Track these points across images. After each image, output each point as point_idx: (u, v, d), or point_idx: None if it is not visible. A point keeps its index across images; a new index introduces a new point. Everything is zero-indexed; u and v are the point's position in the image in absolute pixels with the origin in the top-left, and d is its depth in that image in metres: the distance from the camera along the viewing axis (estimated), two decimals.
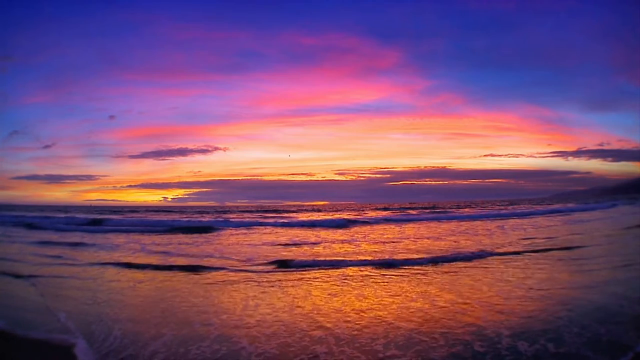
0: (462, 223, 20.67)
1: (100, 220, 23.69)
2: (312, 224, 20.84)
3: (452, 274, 7.16)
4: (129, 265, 8.71)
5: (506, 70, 75.81)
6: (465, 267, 7.78)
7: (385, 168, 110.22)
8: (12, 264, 9.01)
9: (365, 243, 12.53)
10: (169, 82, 68.97)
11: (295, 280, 6.92)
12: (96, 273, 8.02)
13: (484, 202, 68.75)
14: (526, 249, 9.84)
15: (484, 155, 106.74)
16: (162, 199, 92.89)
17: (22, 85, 68.63)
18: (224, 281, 6.96)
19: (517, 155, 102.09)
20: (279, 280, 6.90)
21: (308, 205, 74.05)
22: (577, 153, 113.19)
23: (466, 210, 36.96)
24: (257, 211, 42.76)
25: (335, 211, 43.04)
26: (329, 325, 4.44)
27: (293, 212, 40.14)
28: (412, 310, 4.93)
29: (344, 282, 6.66)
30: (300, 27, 62.12)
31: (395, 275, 7.11)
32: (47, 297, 5.99)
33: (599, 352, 3.45)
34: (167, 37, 64.12)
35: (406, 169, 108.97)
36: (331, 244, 12.53)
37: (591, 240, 11.52)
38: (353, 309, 5.05)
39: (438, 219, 23.89)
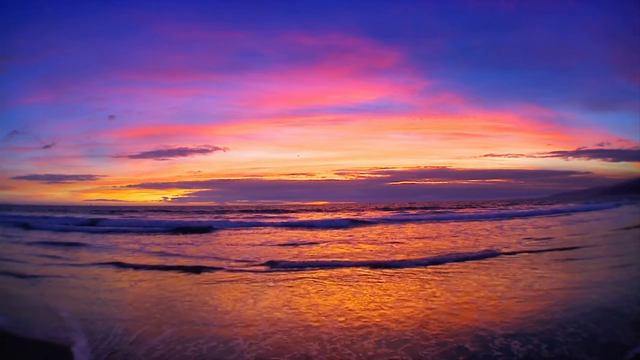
0: (463, 223, 20.64)
1: (98, 221, 23.69)
2: (311, 224, 20.83)
3: (448, 274, 7.16)
4: (127, 266, 8.71)
5: (506, 70, 75.80)
6: (462, 267, 7.78)
7: (385, 168, 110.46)
8: (10, 264, 9.02)
9: (364, 243, 12.53)
10: (169, 82, 69.08)
11: (290, 280, 6.93)
12: (93, 273, 8.03)
13: (484, 202, 68.74)
14: (526, 250, 9.83)
15: (484, 155, 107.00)
16: (162, 199, 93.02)
17: (22, 85, 68.76)
18: (222, 281, 6.99)
19: (517, 155, 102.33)
20: (275, 281, 6.92)
21: (308, 205, 74.06)
22: (577, 153, 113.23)
23: (466, 210, 36.91)
24: (257, 211, 42.78)
25: (335, 211, 43.04)
26: (322, 324, 4.47)
27: (293, 212, 40.13)
28: (405, 310, 4.94)
29: (339, 283, 6.67)
30: (300, 27, 62.25)
31: (391, 276, 7.12)
32: (47, 296, 6.01)
33: (594, 354, 3.43)
34: (167, 37, 64.29)
35: (406, 169, 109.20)
36: (330, 244, 12.54)
37: (596, 240, 11.50)
38: (346, 309, 5.08)
39: (440, 219, 23.80)
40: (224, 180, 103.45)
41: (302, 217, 29.79)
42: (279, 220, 24.20)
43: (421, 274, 7.23)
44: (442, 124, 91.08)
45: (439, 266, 7.89)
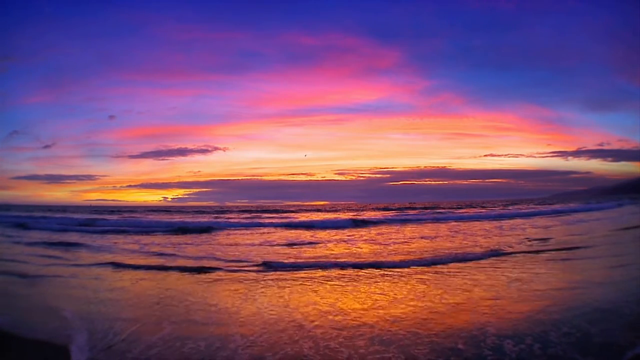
0: (463, 224, 20.61)
1: (96, 221, 23.69)
2: (311, 225, 20.76)
3: (446, 274, 7.17)
4: (124, 266, 8.72)
5: (506, 70, 75.82)
6: (461, 267, 7.78)
7: (385, 168, 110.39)
8: (7, 264, 9.03)
9: (363, 243, 12.55)
10: (169, 82, 69.18)
11: (285, 280, 6.94)
12: (91, 273, 8.04)
13: (485, 202, 68.68)
14: (525, 250, 9.83)
15: (484, 155, 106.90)
16: (162, 199, 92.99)
17: (22, 85, 68.81)
18: (219, 281, 7.02)
19: (517, 155, 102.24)
20: (271, 281, 6.93)
21: (308, 205, 74.03)
22: (577, 153, 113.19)
23: (467, 210, 36.87)
24: (257, 211, 42.75)
25: (335, 211, 43.05)
26: (316, 323, 4.51)
27: (293, 212, 40.11)
28: (400, 310, 4.95)
29: (336, 283, 6.68)
30: (300, 27, 62.27)
31: (388, 276, 7.13)
32: (45, 296, 6.05)
33: (588, 354, 3.42)
34: (166, 37, 64.38)
35: (406, 169, 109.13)
36: (329, 244, 12.56)
37: (596, 240, 11.50)
38: (340, 309, 5.10)
39: (440, 220, 23.66)
40: (224, 180, 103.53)
41: (302, 217, 29.74)
42: (279, 221, 24.20)
43: (419, 274, 7.23)
44: (442, 124, 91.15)
45: (438, 266, 7.88)
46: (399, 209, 43.93)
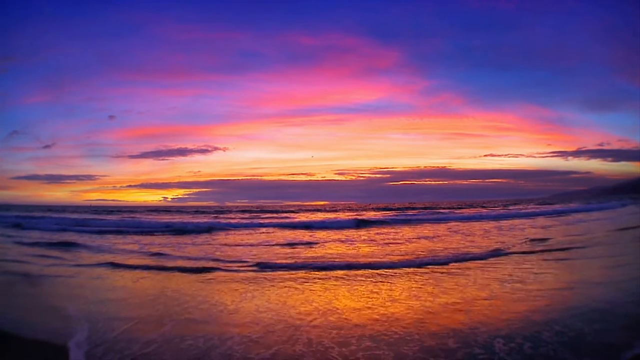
0: (463, 224, 20.60)
1: (93, 221, 23.65)
2: (309, 225, 20.74)
3: (443, 274, 7.16)
4: (123, 266, 8.72)
5: (506, 70, 75.80)
6: (458, 268, 7.77)
7: (385, 168, 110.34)
8: (4, 264, 9.03)
9: (362, 244, 12.56)
10: (169, 82, 69.20)
11: (279, 280, 6.95)
12: (88, 274, 8.04)
13: (485, 202, 68.62)
14: (524, 250, 9.81)
15: (484, 155, 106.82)
16: (162, 199, 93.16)
17: (22, 85, 68.94)
18: (216, 281, 7.03)
19: (517, 155, 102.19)
20: (266, 281, 6.93)
21: (308, 205, 74.05)
22: (577, 153, 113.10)
23: (467, 210, 36.81)
24: (257, 211, 42.75)
25: (335, 211, 43.02)
26: (309, 321, 4.55)
27: (293, 212, 40.11)
28: (394, 310, 4.95)
29: (331, 283, 6.69)
30: (300, 27, 62.32)
31: (383, 277, 7.12)
32: (43, 296, 6.06)
33: (579, 354, 3.41)
34: (167, 37, 64.43)
35: (406, 169, 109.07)
36: (328, 245, 12.56)
37: (596, 240, 11.47)
38: (333, 308, 5.13)
39: (440, 220, 23.60)
40: (224, 180, 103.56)
41: (302, 217, 29.77)
42: (279, 221, 24.20)
43: (416, 274, 7.22)
44: (442, 124, 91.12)
45: (436, 267, 7.87)
46: (399, 209, 43.92)
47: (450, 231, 16.20)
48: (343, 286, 6.43)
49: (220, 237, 15.77)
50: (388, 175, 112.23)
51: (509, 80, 76.70)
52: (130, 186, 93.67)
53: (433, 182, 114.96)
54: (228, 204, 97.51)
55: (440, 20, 63.54)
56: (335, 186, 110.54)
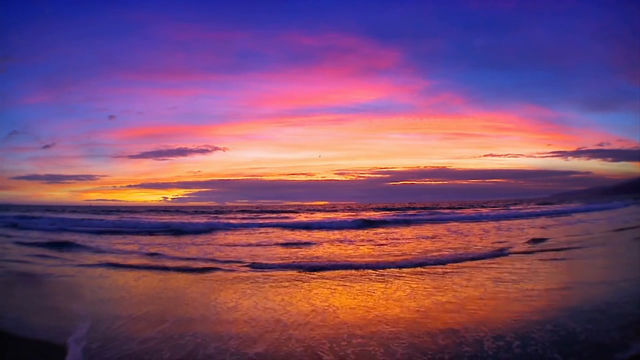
0: (462, 224, 20.55)
1: (91, 221, 23.41)
2: (308, 225, 20.61)
3: (437, 275, 7.11)
4: (121, 266, 8.68)
5: (506, 70, 75.83)
6: (456, 268, 7.70)
7: (385, 168, 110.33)
8: (5, 263, 8.96)
9: (361, 244, 12.49)
10: (168, 82, 69.14)
11: (282, 281, 6.90)
12: (85, 274, 7.96)
13: (487, 202, 68.51)
14: (524, 250, 9.72)
15: (484, 155, 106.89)
16: (162, 199, 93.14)
17: (22, 85, 68.75)
18: (214, 281, 7.01)
19: (517, 155, 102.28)
20: (263, 280, 6.88)
21: (308, 205, 73.92)
22: (577, 153, 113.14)
23: (468, 211, 36.62)
24: (256, 211, 42.54)
25: (334, 211, 42.83)
26: (300, 319, 4.59)
27: (293, 212, 39.96)
28: (385, 310, 4.94)
29: (325, 283, 6.63)
30: (300, 27, 62.33)
31: (379, 277, 7.06)
32: (42, 296, 6.05)
33: (568, 353, 3.36)
34: (167, 37, 64.33)
35: (406, 169, 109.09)
36: (327, 245, 12.48)
37: (596, 240, 11.37)
38: (326, 306, 5.14)
39: (440, 220, 23.37)
40: (223, 180, 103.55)
41: (302, 217, 29.69)
42: (278, 221, 24.06)
43: (412, 274, 7.16)
44: (442, 124, 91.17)
45: (433, 267, 7.80)
46: (399, 209, 43.78)
47: (449, 231, 16.14)
48: (339, 286, 6.38)
49: (220, 237, 15.71)
50: (388, 175, 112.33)
51: (509, 80, 76.85)
52: (130, 186, 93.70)
53: (433, 182, 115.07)
54: (228, 204, 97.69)
55: (440, 20, 63.53)
56: (335, 186, 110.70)
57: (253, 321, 4.56)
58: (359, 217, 25.71)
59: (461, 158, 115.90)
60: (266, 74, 72.46)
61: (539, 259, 8.35)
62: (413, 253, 9.84)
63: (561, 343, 3.57)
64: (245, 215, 33.47)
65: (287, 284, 6.61)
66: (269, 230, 18.63)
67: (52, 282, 7.14)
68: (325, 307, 5.09)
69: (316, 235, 15.75)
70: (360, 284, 6.49)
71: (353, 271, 7.54)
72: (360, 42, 60.62)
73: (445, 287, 6.01)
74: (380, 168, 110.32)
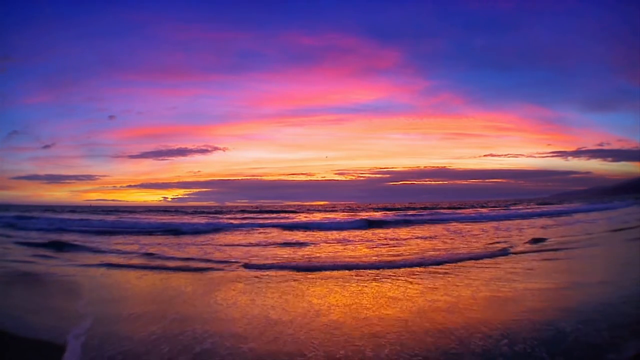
0: (462, 224, 20.54)
1: (90, 222, 23.37)
2: (307, 226, 20.65)
3: (435, 274, 7.12)
4: (118, 266, 8.71)
5: (506, 70, 75.87)
6: (454, 268, 7.71)
7: (385, 168, 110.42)
8: (4, 263, 9.00)
9: (359, 244, 12.51)
10: (169, 82, 69.23)
11: (279, 282, 6.93)
12: (83, 273, 7.96)
13: (485, 202, 68.41)
14: (522, 250, 9.72)
15: (484, 155, 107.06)
16: (162, 199, 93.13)
17: (22, 85, 68.93)
18: (212, 280, 7.05)
19: (517, 155, 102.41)
20: (257, 281, 6.90)
21: (308, 205, 73.91)
22: (577, 153, 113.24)
23: (468, 211, 36.52)
24: (256, 211, 42.51)
25: (334, 211, 42.80)
26: (290, 318, 4.66)
27: (293, 212, 39.95)
28: (375, 308, 5.01)
29: (322, 283, 6.67)
30: (300, 27, 62.39)
31: (375, 277, 7.07)
32: (41, 295, 6.09)
33: (555, 353, 3.35)
34: (167, 37, 64.45)
35: (406, 169, 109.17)
36: (329, 245, 12.50)
37: (595, 241, 11.35)
38: (320, 305, 5.21)
39: (441, 220, 23.19)
40: (223, 180, 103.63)
41: (302, 217, 29.68)
42: (278, 221, 24.06)
43: (408, 275, 7.16)
44: (442, 124, 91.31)
45: (431, 267, 7.80)
46: (399, 209, 43.74)
47: (449, 231, 16.15)
48: (335, 286, 6.40)
49: (219, 237, 15.72)
50: (388, 175, 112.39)
51: (509, 80, 76.91)
52: (130, 186, 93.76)
53: (433, 182, 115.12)
54: (228, 204, 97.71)
55: (440, 20, 63.60)
56: (335, 186, 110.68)
57: (247, 319, 4.62)
58: (359, 217, 25.70)
59: (461, 158, 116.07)
60: (266, 74, 72.68)
61: (538, 259, 8.36)
62: (412, 253, 9.84)
63: (550, 342, 3.58)
64: (245, 215, 33.45)
65: (281, 284, 6.63)
66: (269, 230, 18.64)
67: (51, 282, 7.17)
68: (319, 307, 5.13)
69: (315, 235, 15.77)
70: (355, 284, 6.51)
71: (349, 272, 7.55)
72: (360, 42, 60.76)
73: (442, 287, 6.02)
74: (380, 168, 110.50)
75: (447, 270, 7.36)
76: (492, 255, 9.04)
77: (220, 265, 8.53)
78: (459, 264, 8.03)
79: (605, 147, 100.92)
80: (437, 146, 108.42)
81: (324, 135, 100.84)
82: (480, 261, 8.25)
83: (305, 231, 17.84)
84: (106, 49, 65.74)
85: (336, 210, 45.62)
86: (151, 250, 11.34)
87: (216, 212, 41.42)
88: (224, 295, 5.95)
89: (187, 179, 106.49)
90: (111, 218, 29.01)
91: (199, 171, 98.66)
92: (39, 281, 7.21)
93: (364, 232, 16.93)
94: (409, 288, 6.05)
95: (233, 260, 9.09)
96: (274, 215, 33.89)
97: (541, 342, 3.57)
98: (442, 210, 37.11)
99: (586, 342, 3.54)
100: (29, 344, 3.97)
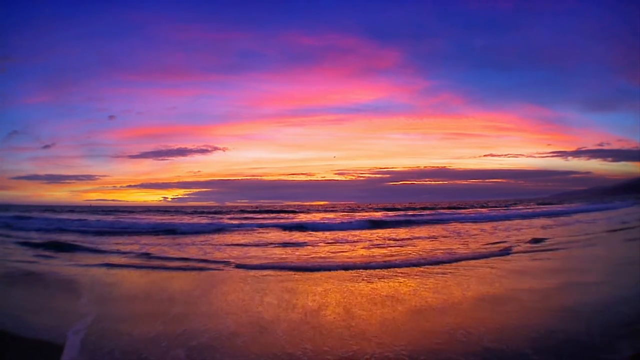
0: (462, 224, 20.53)
1: (87, 222, 23.34)
2: (308, 226, 20.61)
3: (431, 274, 7.12)
4: (121, 266, 8.74)
5: (506, 70, 75.88)
6: (452, 268, 7.71)
7: (385, 168, 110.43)
8: (4, 263, 9.03)
9: (359, 244, 12.51)
10: (168, 82, 69.27)
11: (278, 282, 6.97)
12: (81, 273, 7.97)
13: (485, 202, 68.38)
14: (523, 250, 9.71)
15: (484, 155, 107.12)
16: (162, 199, 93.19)
17: (22, 85, 68.92)
18: (211, 280, 7.09)
19: (517, 155, 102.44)
20: (255, 280, 6.93)
21: (308, 205, 73.90)
22: (577, 153, 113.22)
23: (468, 211, 36.54)
24: (256, 211, 42.50)
25: (334, 211, 42.79)
26: (289, 316, 4.74)
27: (292, 212, 39.96)
28: (366, 307, 5.06)
29: (318, 284, 6.68)
30: (299, 27, 62.38)
31: (372, 277, 7.08)
32: (39, 295, 6.13)
33: (542, 352, 3.36)
34: (166, 37, 64.44)
35: (406, 169, 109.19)
36: (328, 245, 12.50)
37: (594, 241, 11.36)
38: (312, 305, 5.24)
39: (441, 220, 23.23)
40: (223, 180, 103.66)
41: (302, 217, 29.69)
42: (278, 221, 24.05)
43: (405, 275, 7.15)
44: (442, 124, 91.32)
45: (429, 267, 7.80)
46: (399, 209, 43.72)
47: (448, 231, 16.16)
48: (330, 286, 6.41)
49: (219, 237, 15.72)
50: (388, 175, 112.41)
51: (509, 80, 76.91)
52: (130, 186, 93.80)
53: (433, 182, 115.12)
54: (228, 204, 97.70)
55: (440, 20, 63.60)
56: (335, 186, 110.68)
57: (243, 317, 4.70)
58: (359, 217, 25.72)
59: (461, 158, 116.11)
60: (266, 74, 72.69)
61: (538, 259, 8.36)
62: (411, 253, 9.85)
63: (548, 342, 3.58)
64: (245, 215, 33.45)
65: (279, 283, 6.66)
66: (269, 230, 18.66)
67: (51, 281, 7.20)
68: (314, 306, 5.15)
69: (314, 235, 15.78)
70: (352, 284, 6.52)
71: (346, 272, 7.56)
72: (360, 42, 60.77)
73: (439, 287, 6.03)
74: (380, 168, 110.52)
75: (445, 271, 7.36)
76: (492, 255, 9.05)
77: (219, 265, 8.57)
78: (458, 263, 8.04)
79: (605, 147, 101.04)
80: (437, 146, 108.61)
81: (324, 135, 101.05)
82: (480, 261, 8.26)
83: (305, 231, 17.86)
84: (106, 49, 65.86)
85: (336, 211, 45.59)
86: (151, 250, 11.37)
87: (216, 212, 41.35)
88: (222, 294, 6.00)
89: (187, 179, 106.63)
90: (111, 218, 29.02)
91: (199, 171, 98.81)
92: (39, 281, 7.24)
93: (363, 232, 16.92)
94: (406, 288, 6.06)
95: (232, 260, 9.12)
96: (274, 215, 33.89)
97: (538, 342, 3.57)
98: (442, 210, 37.10)
99: (583, 342, 3.54)
100: (29, 343, 3.98)
